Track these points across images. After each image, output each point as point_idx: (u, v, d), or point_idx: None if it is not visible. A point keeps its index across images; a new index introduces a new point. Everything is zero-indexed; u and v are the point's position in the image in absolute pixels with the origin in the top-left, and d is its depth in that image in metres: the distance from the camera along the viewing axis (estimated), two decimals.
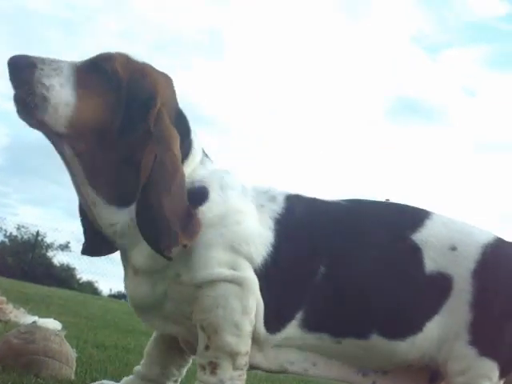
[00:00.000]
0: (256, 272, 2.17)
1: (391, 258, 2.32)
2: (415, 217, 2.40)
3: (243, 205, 2.26)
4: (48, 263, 25.38)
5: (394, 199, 2.74)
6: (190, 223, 2.06)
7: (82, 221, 2.30)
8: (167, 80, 2.25)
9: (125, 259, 2.20)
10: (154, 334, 2.42)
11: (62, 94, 2.02)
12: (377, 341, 2.26)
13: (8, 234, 25.55)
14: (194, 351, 2.25)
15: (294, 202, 2.34)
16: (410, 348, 2.28)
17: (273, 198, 2.32)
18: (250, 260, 2.16)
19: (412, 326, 2.29)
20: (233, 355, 2.11)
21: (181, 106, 2.27)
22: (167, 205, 2.03)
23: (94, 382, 2.41)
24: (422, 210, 2.43)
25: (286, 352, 2.24)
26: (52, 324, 4.69)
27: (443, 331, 2.28)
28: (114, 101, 2.09)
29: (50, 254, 26.26)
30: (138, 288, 2.16)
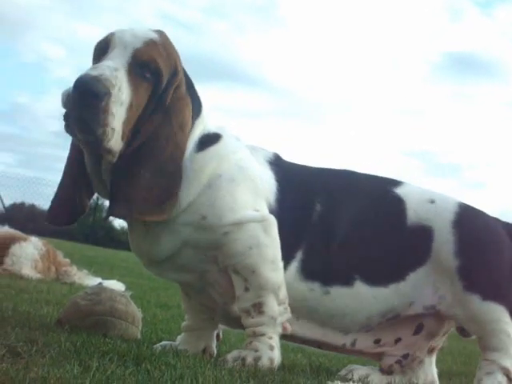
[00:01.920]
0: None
1: (378, 207, 2.47)
2: (392, 180, 2.58)
3: (249, 152, 2.38)
4: (109, 227, 25.81)
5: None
6: (162, 205, 2.09)
7: (62, 189, 2.32)
8: (175, 47, 2.27)
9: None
10: (181, 291, 2.49)
11: (120, 115, 2.01)
12: (360, 288, 2.37)
13: None
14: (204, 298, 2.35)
15: (286, 162, 2.47)
16: (394, 295, 2.39)
17: (266, 153, 2.43)
18: (266, 200, 2.27)
19: (394, 274, 2.40)
20: (275, 290, 2.19)
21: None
22: (143, 179, 2.08)
23: (160, 340, 2.47)
24: (392, 178, 2.60)
25: None
26: (116, 285, 4.79)
27: (436, 279, 2.39)
28: (154, 97, 2.12)
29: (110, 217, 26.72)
30: (156, 241, 2.20)
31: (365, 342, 2.46)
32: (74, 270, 5.72)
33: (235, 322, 2.33)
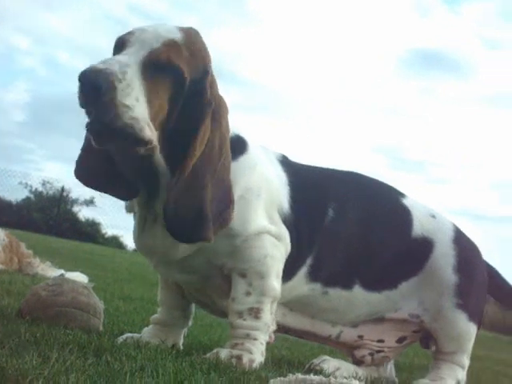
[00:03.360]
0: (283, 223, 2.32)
1: (387, 216, 2.55)
2: (395, 188, 2.66)
3: (265, 157, 2.39)
4: (73, 218, 25.61)
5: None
6: (222, 215, 2.09)
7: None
8: (206, 46, 2.21)
9: (146, 209, 2.20)
10: (161, 284, 2.49)
11: (143, 109, 1.96)
12: (357, 292, 2.48)
13: (33, 189, 25.76)
14: (198, 300, 2.41)
15: (295, 163, 2.50)
16: (384, 301, 2.52)
17: (276, 156, 2.46)
18: (280, 212, 2.31)
19: (390, 282, 2.52)
20: (274, 300, 2.26)
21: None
22: (208, 192, 2.05)
23: (122, 332, 2.46)
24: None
25: None
26: (79, 277, 4.77)
27: (424, 291, 2.52)
28: (179, 95, 2.06)
29: (75, 209, 26.45)
30: (175, 243, 2.16)
31: (349, 336, 2.58)
32: (36, 261, 5.66)
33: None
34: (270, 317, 2.25)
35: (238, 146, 2.26)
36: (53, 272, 5.49)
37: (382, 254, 2.51)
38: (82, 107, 1.95)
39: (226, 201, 2.10)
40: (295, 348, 2.87)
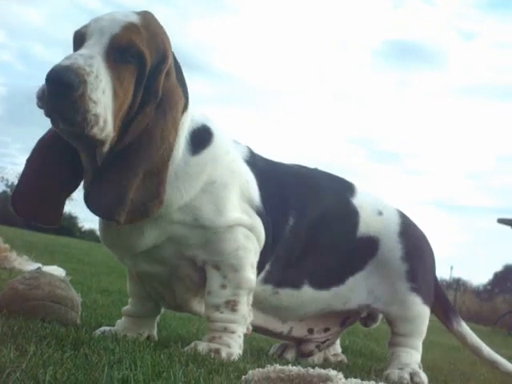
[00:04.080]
0: None
1: (337, 217, 2.60)
2: (347, 184, 2.71)
3: (235, 150, 2.38)
4: None
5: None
6: (145, 206, 2.04)
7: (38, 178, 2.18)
8: (164, 29, 2.18)
9: None
10: (130, 274, 2.47)
11: (106, 102, 1.94)
12: (307, 291, 2.53)
13: (9, 183, 25.61)
14: (164, 291, 2.36)
15: (260, 158, 2.49)
16: (333, 297, 2.58)
17: (243, 149, 2.44)
18: (251, 204, 2.30)
19: (336, 279, 2.59)
20: (250, 292, 2.27)
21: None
22: (135, 179, 2.01)
23: (100, 325, 2.45)
24: (344, 179, 2.73)
25: None
26: (56, 271, 4.73)
27: (372, 281, 2.60)
28: (141, 82, 2.04)
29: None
30: (139, 235, 2.17)
31: (300, 331, 2.65)
32: (13, 255, 5.62)
33: (185, 311, 2.46)
34: (246, 309, 2.26)
35: (203, 138, 2.24)
36: (30, 266, 5.45)
37: (330, 254, 2.57)
38: (48, 115, 1.94)
39: (154, 194, 2.05)
40: (274, 340, 2.88)
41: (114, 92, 1.98)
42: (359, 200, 2.66)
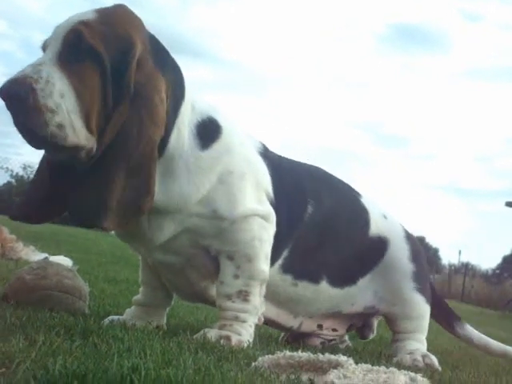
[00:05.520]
0: None
1: (350, 213, 2.67)
2: (351, 186, 2.77)
3: (249, 142, 2.39)
4: None
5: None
6: (136, 204, 2.00)
7: (35, 185, 2.19)
8: (134, 17, 2.10)
9: None
10: (143, 264, 2.48)
11: (68, 106, 1.89)
12: (324, 286, 2.56)
13: (14, 174, 25.56)
14: (181, 282, 2.36)
15: (273, 153, 2.50)
16: (344, 296, 2.63)
17: (257, 144, 2.44)
18: (266, 194, 2.32)
19: (350, 278, 2.64)
20: (263, 283, 2.27)
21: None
22: (117, 181, 1.95)
23: (108, 314, 2.45)
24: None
25: None
26: (63, 260, 4.72)
27: (378, 282, 2.66)
28: (105, 78, 1.96)
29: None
30: (158, 229, 2.17)
31: (309, 326, 2.67)
32: (20, 246, 5.62)
33: (202, 300, 2.46)
34: (259, 299, 2.26)
35: (211, 131, 2.21)
36: (36, 256, 5.45)
37: (346, 251, 2.62)
38: (16, 126, 1.91)
39: (144, 189, 1.99)
40: None
41: (78, 93, 1.92)
42: (366, 202, 2.73)
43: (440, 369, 2.47)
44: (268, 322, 2.53)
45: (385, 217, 2.74)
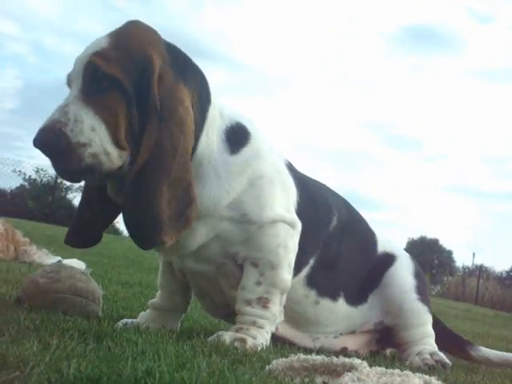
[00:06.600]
0: None
1: (363, 231, 2.76)
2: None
3: (276, 152, 2.41)
4: (68, 205, 25.50)
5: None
6: (183, 215, 2.03)
7: (81, 213, 2.28)
8: (148, 32, 2.11)
9: None
10: (163, 268, 2.48)
11: (101, 136, 1.97)
12: (341, 305, 2.58)
13: (27, 177, 25.63)
14: (211, 290, 2.37)
15: (297, 170, 2.54)
16: (358, 314, 2.65)
17: (284, 158, 2.47)
18: (293, 202, 2.34)
19: (362, 296, 2.67)
20: (284, 291, 2.28)
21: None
22: (162, 194, 1.99)
23: (121, 318, 2.45)
24: None
25: None
26: (76, 264, 4.74)
27: (384, 297, 2.69)
28: (128, 99, 2.00)
29: (70, 196, 26.32)
30: (191, 234, 2.16)
31: (331, 347, 2.60)
32: (33, 249, 5.64)
33: (227, 312, 2.43)
34: (278, 308, 2.26)
35: (240, 137, 2.24)
36: (49, 259, 5.48)
37: (359, 270, 2.67)
38: (56, 171, 2.02)
39: (187, 199, 2.03)
40: None
41: (106, 122, 1.98)
42: (370, 225, 2.83)
43: (450, 363, 2.52)
44: (285, 340, 2.51)
45: (389, 241, 2.84)
